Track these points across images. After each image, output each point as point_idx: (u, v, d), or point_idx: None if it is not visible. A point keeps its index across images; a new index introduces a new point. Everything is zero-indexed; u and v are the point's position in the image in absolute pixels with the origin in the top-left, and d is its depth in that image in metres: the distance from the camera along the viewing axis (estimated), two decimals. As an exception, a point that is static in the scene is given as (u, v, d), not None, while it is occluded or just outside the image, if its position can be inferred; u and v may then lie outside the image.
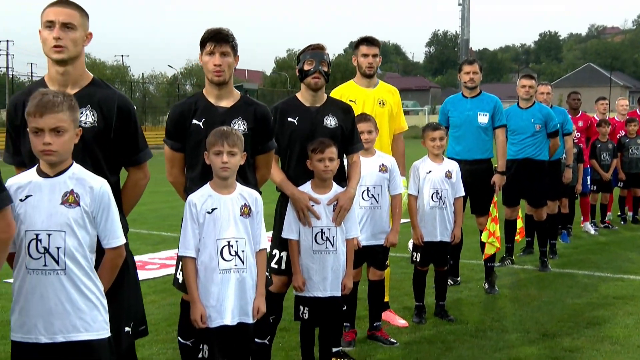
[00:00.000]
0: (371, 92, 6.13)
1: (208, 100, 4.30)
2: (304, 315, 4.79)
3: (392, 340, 5.82)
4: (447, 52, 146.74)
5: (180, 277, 4.24)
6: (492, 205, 7.14)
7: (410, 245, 6.69)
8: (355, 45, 6.22)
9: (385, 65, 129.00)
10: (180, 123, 4.26)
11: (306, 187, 4.80)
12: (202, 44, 4.23)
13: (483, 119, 7.33)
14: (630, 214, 12.59)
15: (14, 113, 3.47)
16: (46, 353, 3.01)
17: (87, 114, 3.36)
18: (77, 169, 3.11)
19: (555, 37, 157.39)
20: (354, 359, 5.31)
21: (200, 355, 3.88)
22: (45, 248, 2.98)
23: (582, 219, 11.50)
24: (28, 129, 3.03)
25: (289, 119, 4.92)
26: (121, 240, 3.16)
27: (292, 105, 4.99)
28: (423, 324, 6.33)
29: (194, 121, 4.25)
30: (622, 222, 12.42)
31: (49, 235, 2.98)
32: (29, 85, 3.89)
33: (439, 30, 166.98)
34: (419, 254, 6.41)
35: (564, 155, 9.32)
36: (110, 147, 3.48)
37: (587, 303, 6.98)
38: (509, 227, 8.44)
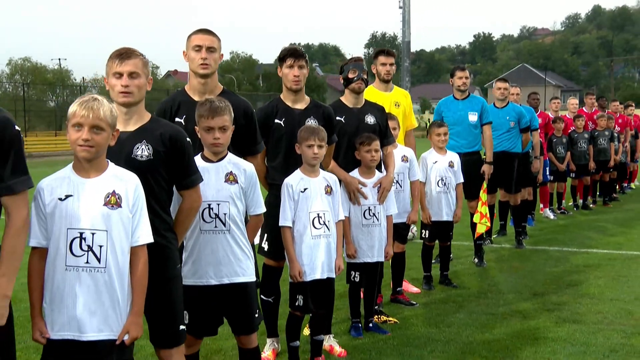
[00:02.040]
0: (388, 95, 7.28)
1: (286, 103, 5.38)
2: (355, 278, 5.92)
3: (413, 302, 7.01)
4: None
5: (265, 245, 5.32)
6: (481, 191, 8.40)
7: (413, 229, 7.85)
8: (374, 56, 7.37)
9: (326, 67, 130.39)
10: (264, 123, 5.30)
11: (355, 173, 5.92)
12: (282, 59, 5.30)
13: (473, 117, 8.59)
14: (580, 201, 14.13)
15: (163, 115, 4.48)
16: (214, 292, 4.06)
17: None
18: (231, 156, 4.17)
19: (489, 38, 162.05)
20: (387, 314, 6.46)
21: (296, 304, 4.97)
22: (215, 214, 4.03)
23: (541, 205, 12.93)
24: (199, 128, 4.06)
25: (337, 118, 6.01)
26: (263, 209, 4.23)
27: (338, 107, 6.08)
28: (432, 290, 7.53)
29: (276, 120, 5.33)
30: (575, 208, 13.93)
31: (218, 204, 4.03)
32: (173, 94, 4.84)
33: (377, 32, 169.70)
34: (427, 232, 7.61)
35: (531, 148, 10.69)
36: (242, 144, 4.52)
37: (562, 271, 8.33)
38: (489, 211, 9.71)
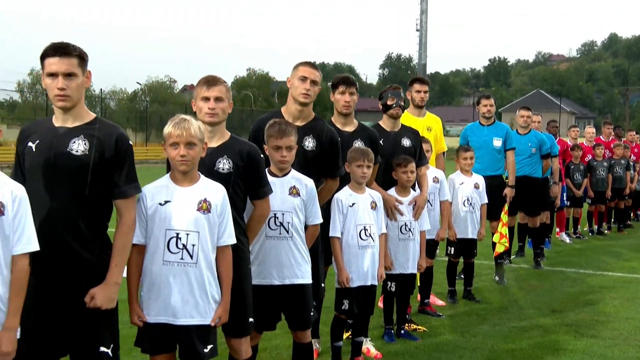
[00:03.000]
0: (421, 120, 7.82)
1: (336, 126, 5.90)
2: (391, 288, 6.42)
3: (439, 313, 7.50)
4: (400, 75, 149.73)
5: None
6: (503, 213, 8.90)
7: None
8: (409, 83, 7.92)
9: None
10: None
11: (392, 192, 6.44)
12: (335, 86, 5.85)
13: (497, 142, 9.12)
14: (596, 226, 14.58)
15: (258, 131, 4.98)
16: (276, 292, 4.59)
17: (309, 140, 4.97)
18: (294, 172, 4.71)
19: (504, 62, 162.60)
20: (417, 323, 6.95)
21: (342, 308, 5.48)
22: (280, 222, 4.56)
23: (557, 229, 13.40)
24: (268, 146, 4.60)
25: (375, 141, 6.55)
26: (320, 220, 4.77)
27: (377, 131, 6.61)
28: (456, 304, 8.02)
29: (357, 142, 5.85)
30: (590, 234, 14.37)
31: (283, 214, 4.57)
32: (269, 114, 5.33)
33: (392, 53, 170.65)
34: (453, 248, 8.11)
35: (551, 174, 11.19)
36: (321, 166, 5.07)
37: (579, 291, 8.80)
38: (509, 233, 10.20)
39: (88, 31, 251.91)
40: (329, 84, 6.00)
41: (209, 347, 3.85)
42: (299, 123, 5.13)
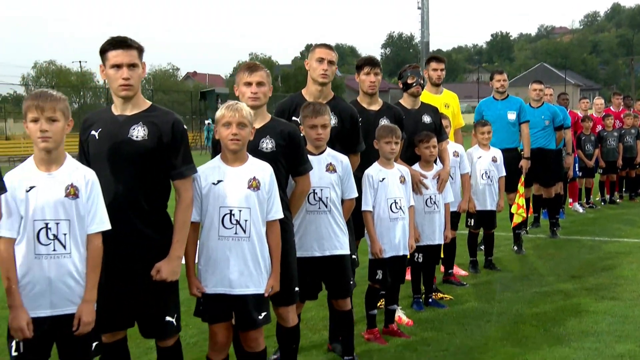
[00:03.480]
0: (439, 97, 8.06)
1: (362, 105, 6.14)
2: (418, 259, 6.70)
3: (463, 282, 7.80)
4: (402, 54, 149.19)
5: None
6: (519, 184, 9.16)
7: None
8: (426, 62, 8.16)
9: (343, 68, 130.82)
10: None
11: (416, 167, 6.71)
12: (360, 67, 6.09)
13: (512, 116, 9.37)
14: (608, 196, 14.83)
15: (281, 114, 5.26)
16: (317, 263, 4.87)
17: (334, 121, 5.22)
18: (330, 150, 4.98)
19: (507, 37, 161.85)
20: (443, 292, 7.25)
21: (376, 277, 5.77)
22: (319, 198, 4.84)
23: (570, 200, 13.65)
24: (304, 126, 4.87)
25: (397, 118, 6.80)
26: (355, 194, 5.05)
27: (400, 108, 6.87)
28: (478, 274, 8.31)
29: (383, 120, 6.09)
30: (602, 203, 14.62)
31: (321, 189, 4.85)
32: (291, 96, 5.58)
33: (394, 32, 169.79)
34: (472, 220, 8.39)
35: (564, 145, 11.43)
36: (343, 142, 5.31)
37: (596, 257, 9.08)
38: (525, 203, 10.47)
39: (90, 22, 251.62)
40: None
41: (263, 314, 4.14)
42: (321, 100, 5.35)
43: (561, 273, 8.20)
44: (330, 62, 5.37)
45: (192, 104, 59.25)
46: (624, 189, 15.53)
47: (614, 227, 11.46)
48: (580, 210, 13.51)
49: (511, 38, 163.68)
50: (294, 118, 5.26)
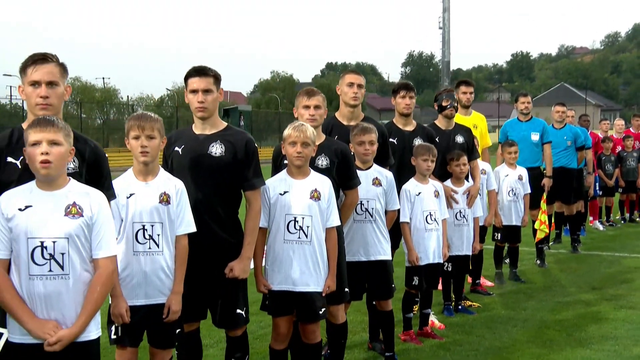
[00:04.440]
0: (469, 119, 8.62)
1: (397, 126, 6.73)
2: (448, 268, 7.24)
3: (489, 292, 8.32)
4: (422, 72, 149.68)
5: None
6: (542, 201, 9.69)
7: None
8: (456, 85, 8.75)
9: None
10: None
11: (448, 183, 7.27)
12: (396, 91, 6.69)
13: (535, 137, 9.91)
14: (627, 214, 15.27)
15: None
16: (363, 267, 5.44)
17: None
18: (376, 165, 5.56)
19: (527, 57, 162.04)
20: (471, 300, 7.77)
21: (412, 283, 6.32)
22: (365, 209, 5.42)
23: (590, 218, 14.11)
24: (353, 143, 5.45)
25: (432, 139, 7.38)
26: (398, 205, 5.63)
27: (434, 130, 7.44)
28: (504, 285, 8.82)
29: (390, 140, 6.68)
30: (622, 222, 15.06)
31: (367, 201, 5.42)
32: (326, 120, 6.18)
33: (414, 51, 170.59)
34: (499, 234, 8.92)
35: (585, 165, 11.94)
36: (379, 160, 5.86)
37: (616, 271, 9.57)
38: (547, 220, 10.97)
39: (113, 40, 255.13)
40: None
41: (323, 309, 4.73)
42: (352, 123, 5.92)
43: (582, 285, 8.70)
44: (360, 86, 5.94)
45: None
46: (643, 208, 15.92)
47: (633, 244, 11.92)
48: (601, 227, 13.96)
49: (531, 58, 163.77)
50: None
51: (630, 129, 16.06)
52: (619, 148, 14.86)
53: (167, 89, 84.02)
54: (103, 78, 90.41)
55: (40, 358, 3.28)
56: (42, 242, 3.28)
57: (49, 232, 3.29)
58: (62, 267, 3.30)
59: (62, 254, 3.31)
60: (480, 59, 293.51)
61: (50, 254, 3.29)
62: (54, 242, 3.29)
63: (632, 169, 14.73)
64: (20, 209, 3.33)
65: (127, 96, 77.24)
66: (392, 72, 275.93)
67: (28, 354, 3.30)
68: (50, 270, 3.29)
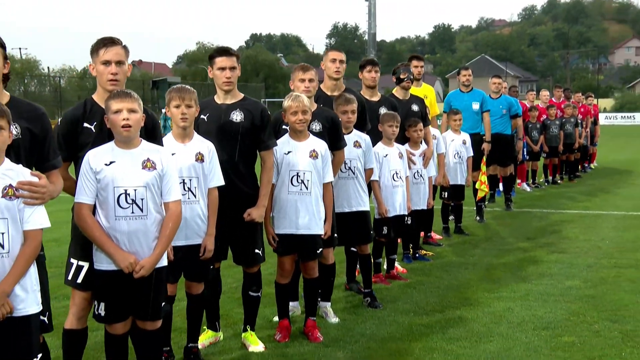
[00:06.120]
0: (419, 90, 9.66)
1: (366, 97, 7.66)
2: (408, 221, 8.26)
3: (440, 243, 9.45)
4: (347, 44, 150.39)
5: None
6: (482, 164, 10.87)
7: None
8: (408, 60, 9.73)
9: (288, 57, 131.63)
10: None
11: (406, 147, 8.26)
12: (363, 66, 7.60)
13: (476, 106, 11.08)
14: (550, 177, 16.77)
15: None
16: (345, 217, 6.38)
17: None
18: (355, 131, 6.49)
19: (449, 29, 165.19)
20: (425, 250, 8.86)
21: (382, 232, 7.32)
22: (349, 167, 6.35)
23: (518, 181, 15.49)
24: (338, 112, 6.36)
25: (391, 107, 8.35)
26: (374, 164, 6.60)
27: (393, 99, 8.42)
28: (450, 238, 9.97)
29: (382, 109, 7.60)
30: (546, 184, 16.55)
31: (350, 160, 6.36)
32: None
33: (339, 22, 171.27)
34: (446, 193, 10.03)
35: (516, 132, 13.23)
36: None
37: (545, 224, 10.89)
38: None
39: (41, 12, 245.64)
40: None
41: (320, 250, 5.66)
42: (335, 93, 6.81)
43: (518, 236, 9.94)
44: (341, 61, 6.82)
45: (144, 92, 59.49)
46: (564, 172, 17.48)
47: (557, 202, 13.34)
48: (528, 189, 15.37)
49: (453, 30, 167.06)
50: None
51: (552, 99, 17.55)
52: (543, 117, 16.28)
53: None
54: (20, 49, 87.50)
55: (121, 281, 4.10)
56: (125, 190, 4.07)
57: (131, 181, 4.09)
58: (141, 210, 4.10)
59: (142, 199, 4.10)
60: (403, 31, 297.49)
61: (132, 199, 4.08)
62: (135, 189, 4.08)
63: (555, 136, 16.19)
64: (106, 164, 4.09)
65: (48, 67, 75.08)
66: (317, 44, 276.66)
67: (112, 278, 4.12)
68: (132, 212, 4.08)
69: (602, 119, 44.07)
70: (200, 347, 5.29)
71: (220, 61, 5.27)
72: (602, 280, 7.35)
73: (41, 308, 3.62)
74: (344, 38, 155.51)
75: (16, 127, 3.67)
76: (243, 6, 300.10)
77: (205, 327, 5.53)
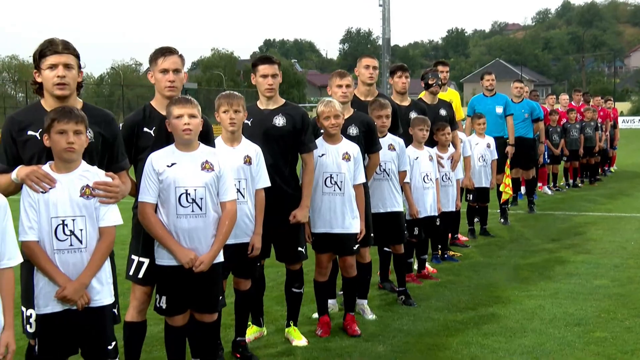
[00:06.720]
0: (444, 95, 9.84)
1: (396, 102, 7.88)
2: (437, 223, 8.49)
3: (466, 244, 9.65)
4: (360, 49, 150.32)
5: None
6: (506, 167, 11.05)
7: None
8: (433, 65, 9.96)
9: (302, 63, 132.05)
10: None
11: (435, 150, 8.48)
12: (393, 72, 7.82)
13: (499, 110, 11.28)
14: (571, 180, 16.90)
15: None
16: (381, 217, 6.60)
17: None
18: (389, 134, 6.72)
19: (462, 33, 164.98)
20: (454, 250, 9.07)
21: (414, 233, 7.53)
22: (383, 169, 6.58)
23: (539, 184, 15.64)
24: (373, 116, 6.60)
25: (420, 111, 8.57)
26: (407, 167, 6.83)
27: (422, 103, 8.63)
28: (475, 239, 10.16)
29: (412, 113, 7.83)
30: (567, 187, 16.68)
31: (385, 163, 6.59)
32: None
33: (352, 27, 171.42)
34: (471, 195, 10.23)
35: (538, 135, 13.40)
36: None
37: (569, 226, 11.05)
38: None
39: (55, 17, 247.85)
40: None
41: (356, 246, 5.91)
42: (369, 98, 7.04)
43: (543, 237, 10.12)
44: (374, 68, 7.06)
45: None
46: (584, 175, 17.60)
47: (579, 205, 13.50)
48: (549, 192, 15.51)
49: (466, 34, 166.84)
50: None
51: (572, 102, 17.70)
52: (563, 120, 16.43)
53: (112, 68, 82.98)
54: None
55: (182, 275, 4.36)
56: (186, 190, 4.33)
57: (192, 182, 4.34)
58: (200, 208, 4.36)
59: (201, 198, 4.36)
60: (416, 36, 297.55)
61: (192, 199, 4.34)
62: (195, 189, 4.34)
63: (575, 140, 16.34)
64: (167, 166, 4.36)
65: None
66: (331, 49, 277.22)
67: (173, 273, 4.37)
68: (193, 211, 4.34)
69: (620, 123, 43.89)
70: (246, 341, 5.54)
71: (263, 69, 5.52)
72: (630, 280, 7.53)
73: (114, 299, 3.88)
74: (357, 43, 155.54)
75: (90, 132, 3.93)
76: (257, 12, 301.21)
77: (250, 323, 5.78)
